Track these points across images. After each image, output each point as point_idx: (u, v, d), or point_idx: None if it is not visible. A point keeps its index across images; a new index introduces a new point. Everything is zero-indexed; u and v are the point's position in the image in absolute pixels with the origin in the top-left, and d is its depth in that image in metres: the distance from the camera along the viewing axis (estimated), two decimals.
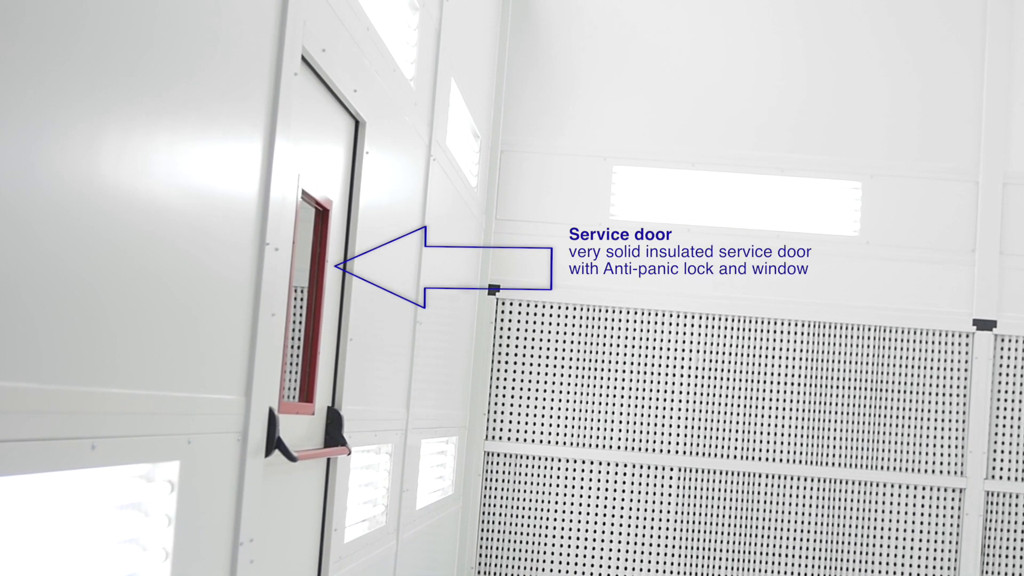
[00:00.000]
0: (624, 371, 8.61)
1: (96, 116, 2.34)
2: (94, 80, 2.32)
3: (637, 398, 8.60)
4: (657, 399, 8.59)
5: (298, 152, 3.89)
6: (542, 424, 8.63)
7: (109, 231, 2.45)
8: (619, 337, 8.63)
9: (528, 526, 8.59)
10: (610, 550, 8.53)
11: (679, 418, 8.57)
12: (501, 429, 8.66)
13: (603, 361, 8.62)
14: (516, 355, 8.67)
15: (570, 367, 8.64)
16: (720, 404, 8.57)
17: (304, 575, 4.39)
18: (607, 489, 8.57)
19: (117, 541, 2.76)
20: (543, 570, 8.56)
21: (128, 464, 2.66)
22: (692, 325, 8.61)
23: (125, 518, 2.78)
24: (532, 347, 8.67)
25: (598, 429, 8.60)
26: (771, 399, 8.54)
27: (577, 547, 8.55)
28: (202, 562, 3.17)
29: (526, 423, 8.64)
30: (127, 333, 2.59)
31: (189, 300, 2.96)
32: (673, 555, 8.51)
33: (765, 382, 8.55)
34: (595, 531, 8.55)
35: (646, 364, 8.61)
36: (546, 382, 8.65)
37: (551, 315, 8.68)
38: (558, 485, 8.60)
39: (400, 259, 5.67)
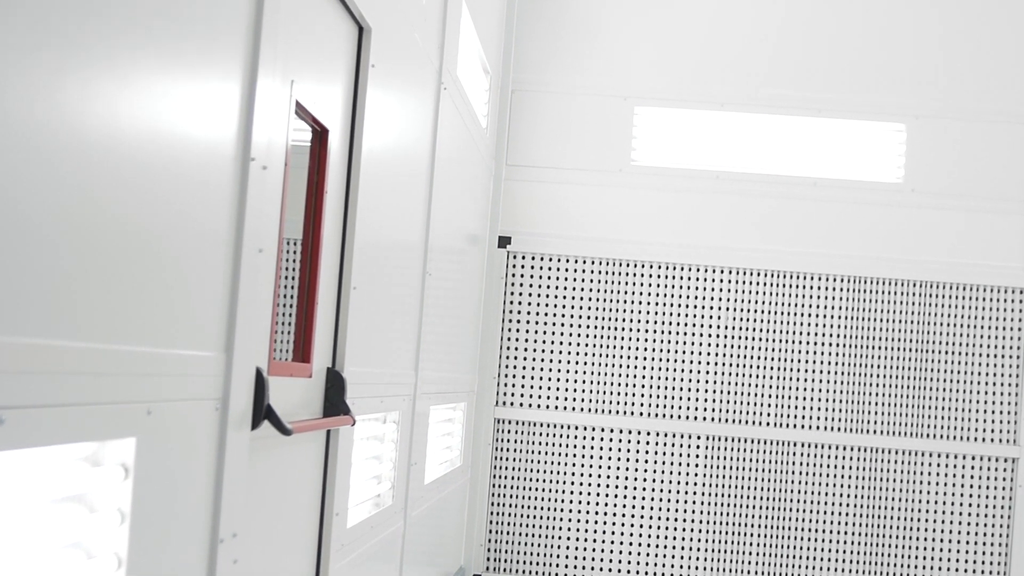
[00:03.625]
0: (647, 331, 7.88)
1: None
2: None
3: (660, 360, 7.87)
4: (682, 361, 7.86)
5: (291, 53, 3.13)
6: (557, 389, 7.90)
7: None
8: (641, 294, 7.90)
9: (541, 500, 7.88)
10: (631, 526, 7.82)
11: (706, 382, 7.85)
12: (512, 394, 7.93)
13: (623, 320, 7.89)
14: (529, 314, 7.94)
15: (587, 327, 7.90)
16: (751, 367, 7.85)
17: (300, 569, 3.66)
18: (627, 460, 7.86)
19: (51, 547, 2.02)
20: (557, 547, 7.86)
21: (60, 444, 1.92)
22: (721, 280, 7.88)
23: (61, 516, 2.05)
24: (546, 305, 7.93)
25: (618, 394, 7.87)
26: (807, 361, 7.82)
27: (595, 523, 7.84)
28: (169, 568, 2.43)
29: (539, 388, 7.91)
30: (57, 264, 1.85)
31: (146, 225, 2.21)
32: (699, 532, 7.80)
33: (800, 342, 7.83)
34: (614, 506, 7.84)
35: (670, 323, 7.87)
36: (561, 343, 7.91)
37: (567, 270, 7.94)
38: (574, 455, 7.88)
39: (408, 201, 4.92)
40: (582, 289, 7.93)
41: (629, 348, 7.88)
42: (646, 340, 7.88)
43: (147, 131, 2.18)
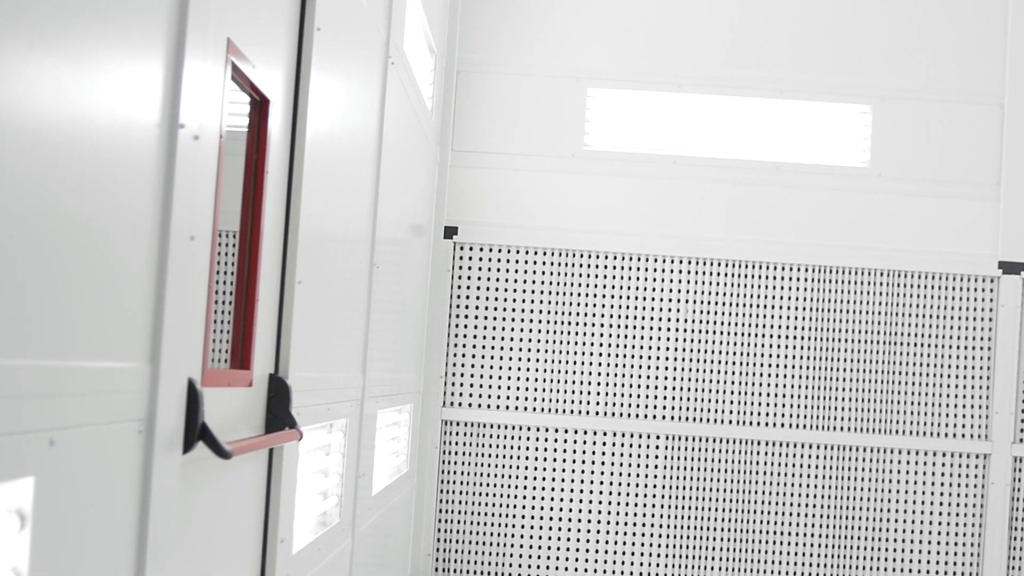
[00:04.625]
0: (602, 325, 7.44)
1: None
2: None
3: (617, 357, 7.43)
4: (640, 358, 7.43)
5: (226, 4, 2.64)
6: (507, 388, 7.44)
7: None
8: (596, 286, 7.46)
9: (492, 505, 7.42)
10: (586, 531, 7.39)
11: (666, 379, 7.43)
12: (460, 394, 7.46)
13: (577, 314, 7.45)
14: (477, 308, 7.47)
15: (539, 322, 7.45)
16: (713, 362, 7.44)
17: None
18: (583, 462, 7.42)
19: None
20: (509, 555, 7.40)
21: None
22: (680, 271, 7.46)
23: None
24: (495, 299, 7.47)
25: (572, 393, 7.43)
26: (770, 356, 7.43)
27: (548, 529, 7.39)
28: None
29: (489, 387, 7.45)
30: None
31: (45, 208, 1.72)
32: (659, 537, 7.38)
33: (763, 336, 7.43)
34: (568, 510, 7.40)
35: (627, 317, 7.44)
36: (512, 340, 7.45)
37: (517, 261, 7.48)
38: (526, 458, 7.43)
39: (355, 185, 4.44)
40: (533, 282, 7.48)
41: (584, 344, 7.45)
42: (601, 335, 7.45)
43: (45, 89, 1.69)
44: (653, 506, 7.40)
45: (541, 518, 7.41)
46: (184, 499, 2.55)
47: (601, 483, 7.41)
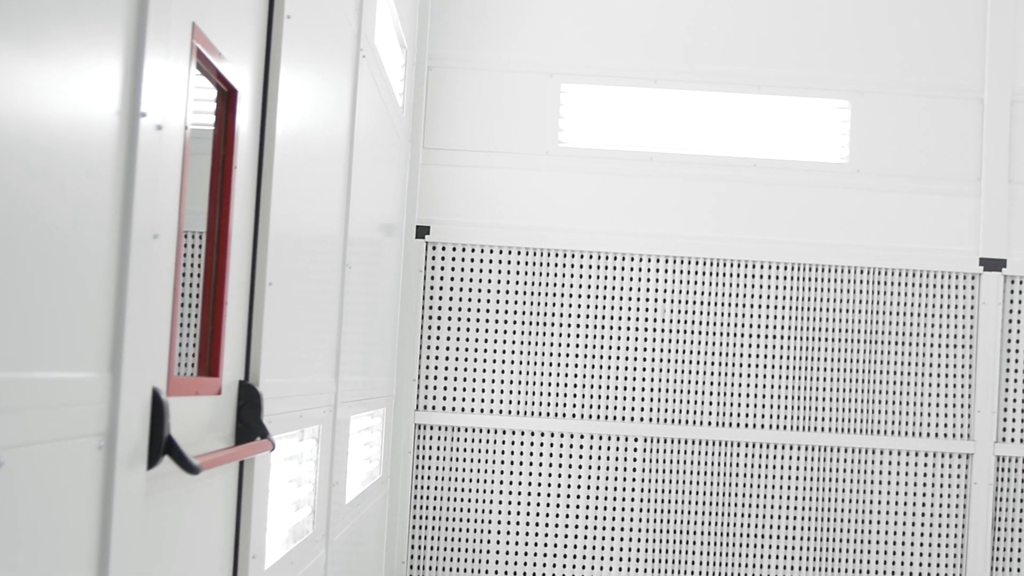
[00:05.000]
0: (578, 326, 7.28)
1: None
2: None
3: (594, 358, 7.28)
4: (618, 358, 7.28)
5: None
6: (482, 391, 7.27)
7: None
8: (572, 286, 7.30)
9: (467, 511, 7.25)
10: (564, 536, 7.23)
11: (643, 380, 7.28)
12: (434, 397, 7.29)
13: (554, 315, 7.29)
14: (451, 309, 7.30)
15: (514, 323, 7.29)
16: (691, 363, 7.29)
17: None
18: (560, 465, 7.26)
19: None
20: (485, 561, 7.24)
21: None
22: (656, 270, 7.31)
23: None
24: (469, 300, 7.30)
25: (549, 395, 7.27)
26: (749, 356, 7.29)
27: (525, 534, 7.23)
28: None
29: (463, 390, 7.28)
30: None
31: None
32: (638, 542, 7.23)
33: (742, 336, 7.29)
34: (546, 515, 7.24)
35: (605, 318, 7.29)
36: (486, 341, 7.29)
37: (490, 261, 7.31)
38: (502, 462, 7.27)
39: (327, 182, 4.27)
40: (507, 282, 7.31)
41: (560, 345, 7.29)
42: (578, 336, 7.29)
43: None
44: (632, 510, 7.25)
45: (517, 523, 7.25)
46: (149, 517, 2.37)
47: (579, 487, 7.26)
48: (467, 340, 7.29)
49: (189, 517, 2.72)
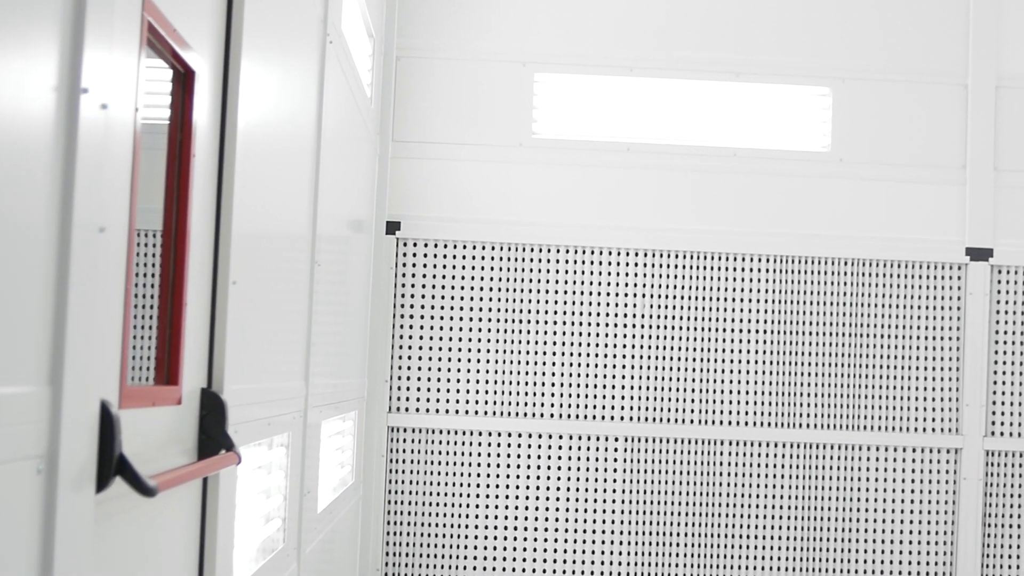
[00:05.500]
0: (555, 323, 7.05)
1: None
2: None
3: (572, 356, 7.05)
4: (596, 356, 7.05)
5: None
6: (456, 391, 7.03)
7: None
8: (548, 281, 7.07)
9: (443, 515, 7.00)
10: (543, 540, 7.00)
11: (623, 378, 7.05)
12: (408, 399, 7.04)
13: (529, 311, 7.05)
14: (423, 308, 7.05)
15: (489, 320, 7.05)
16: (672, 359, 7.07)
17: None
18: (538, 467, 7.03)
19: None
20: (462, 568, 6.99)
21: None
22: (635, 264, 7.08)
23: None
24: (442, 297, 7.05)
25: (525, 395, 7.04)
26: (732, 351, 7.07)
27: (503, 539, 6.99)
28: None
29: (437, 391, 7.04)
30: None
31: None
32: (620, 543, 7.01)
33: (725, 331, 7.08)
34: (524, 519, 7.00)
35: (582, 314, 7.06)
36: (460, 340, 7.04)
37: (464, 257, 7.07)
38: (478, 464, 7.03)
39: (292, 176, 4.01)
40: (482, 279, 7.07)
41: (537, 343, 7.05)
42: (555, 333, 7.06)
43: None
44: (613, 512, 7.02)
45: (495, 527, 7.01)
46: (101, 545, 2.12)
47: (558, 489, 7.03)
48: (440, 339, 7.05)
49: (148, 541, 2.46)
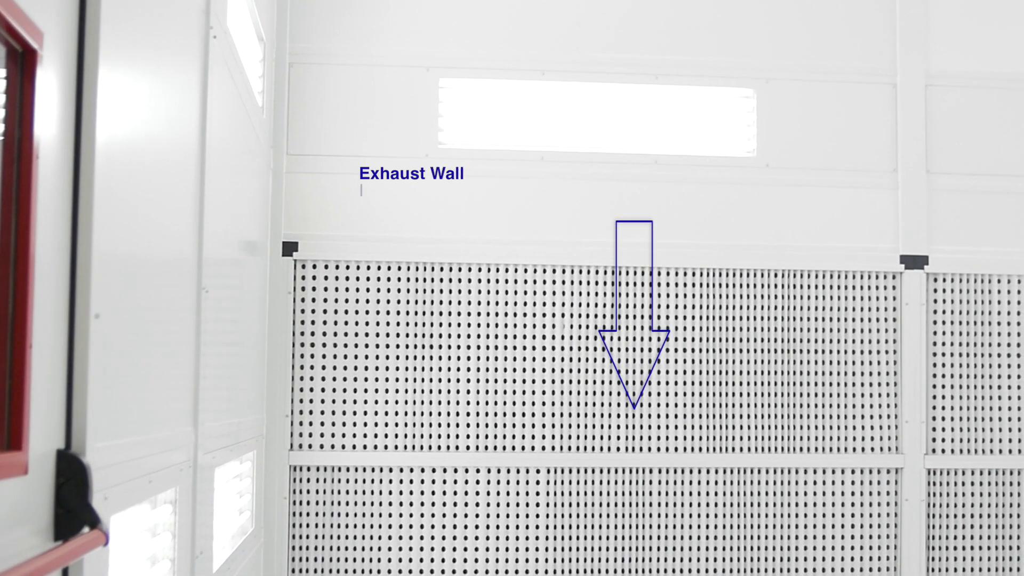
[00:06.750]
0: (469, 347, 6.52)
1: None
2: None
3: (488, 382, 6.52)
4: (515, 382, 6.54)
5: None
6: (364, 424, 6.47)
7: None
8: (460, 303, 6.54)
9: (354, 560, 6.43)
10: None
11: (543, 404, 6.55)
12: (311, 435, 6.46)
13: (441, 336, 6.52)
14: (325, 335, 6.48)
15: (398, 347, 6.50)
16: (595, 383, 6.58)
17: None
18: (455, 504, 6.48)
19: None
20: None
21: None
22: (553, 282, 6.59)
23: None
24: (345, 323, 6.49)
25: (439, 426, 6.49)
26: (658, 372, 6.60)
27: None
28: None
29: (343, 424, 6.47)
30: None
31: None
32: None
33: (650, 351, 6.61)
34: (442, 560, 6.45)
35: (496, 336, 6.54)
36: (367, 369, 6.48)
37: (368, 279, 6.52)
38: (390, 503, 6.47)
39: (172, 189, 3.44)
40: (388, 301, 6.52)
41: (449, 370, 6.51)
42: (469, 359, 6.53)
43: None
44: (537, 549, 6.50)
45: (410, 571, 6.44)
46: None
47: (476, 527, 6.48)
48: (345, 368, 6.48)
49: None
